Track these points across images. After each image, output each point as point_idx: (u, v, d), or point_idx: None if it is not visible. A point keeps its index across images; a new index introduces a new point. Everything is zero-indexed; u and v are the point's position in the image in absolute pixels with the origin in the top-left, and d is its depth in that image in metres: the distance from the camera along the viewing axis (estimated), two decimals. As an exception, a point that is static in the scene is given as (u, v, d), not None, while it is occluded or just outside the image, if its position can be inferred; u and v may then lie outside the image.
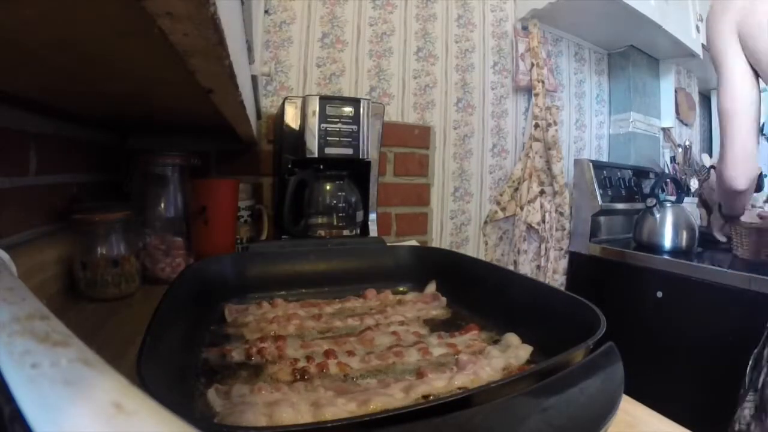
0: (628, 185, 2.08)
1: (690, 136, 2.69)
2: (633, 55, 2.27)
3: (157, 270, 0.95)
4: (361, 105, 1.16)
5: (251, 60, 0.88)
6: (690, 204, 2.11)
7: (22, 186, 0.71)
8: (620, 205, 2.00)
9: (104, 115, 0.88)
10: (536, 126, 1.92)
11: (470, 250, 1.94)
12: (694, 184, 2.44)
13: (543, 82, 1.94)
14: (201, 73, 0.41)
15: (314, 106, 1.12)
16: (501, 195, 1.96)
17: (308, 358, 0.57)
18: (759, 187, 2.38)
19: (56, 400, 0.14)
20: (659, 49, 2.28)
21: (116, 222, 0.83)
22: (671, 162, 2.41)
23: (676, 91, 2.50)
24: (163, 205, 0.97)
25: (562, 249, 1.96)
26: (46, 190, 0.80)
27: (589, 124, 2.30)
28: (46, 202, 0.81)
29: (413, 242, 1.54)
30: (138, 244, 0.90)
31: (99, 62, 0.42)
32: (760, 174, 2.39)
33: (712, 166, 2.43)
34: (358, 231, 1.24)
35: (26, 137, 0.73)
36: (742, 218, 1.58)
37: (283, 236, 1.18)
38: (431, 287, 0.88)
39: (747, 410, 0.95)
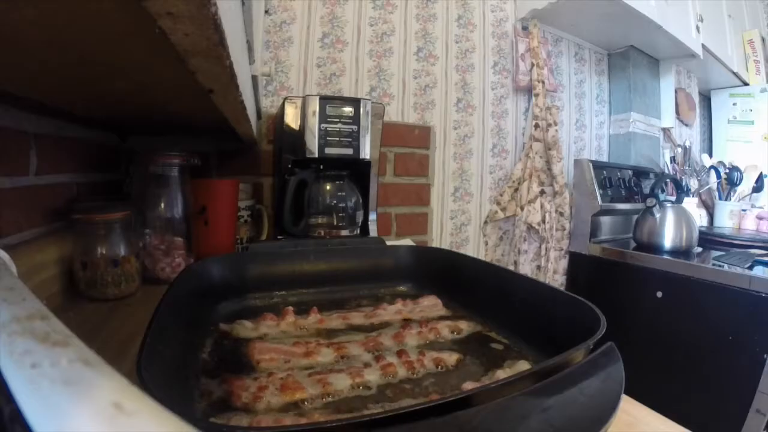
0: (628, 185, 2.08)
1: (690, 136, 2.69)
2: (633, 55, 2.27)
3: (157, 270, 0.95)
4: (361, 105, 1.16)
5: (252, 60, 0.88)
6: (690, 204, 2.11)
7: (22, 186, 0.71)
8: (620, 205, 2.00)
9: (105, 115, 0.88)
10: (536, 126, 1.92)
11: (470, 250, 1.94)
12: (694, 184, 2.44)
13: (543, 82, 1.94)
14: (202, 74, 0.41)
15: (314, 106, 1.12)
16: (501, 195, 1.96)
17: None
18: (759, 188, 2.40)
19: (56, 400, 0.14)
20: (659, 50, 2.28)
21: (116, 222, 0.83)
22: (671, 162, 2.42)
23: (676, 92, 2.50)
24: (163, 205, 0.97)
25: (562, 249, 1.96)
26: (46, 190, 0.80)
27: (589, 125, 2.30)
28: (46, 201, 0.81)
29: (408, 241, 1.54)
30: (138, 244, 0.90)
31: (99, 62, 0.42)
32: (760, 174, 2.40)
33: (712, 166, 2.44)
34: (358, 231, 1.24)
35: (26, 137, 0.73)
36: None
37: (282, 236, 1.18)
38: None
39: None
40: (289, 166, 1.18)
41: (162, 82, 0.53)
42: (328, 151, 1.13)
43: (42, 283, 0.72)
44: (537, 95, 1.92)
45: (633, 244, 1.89)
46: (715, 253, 1.77)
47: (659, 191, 1.88)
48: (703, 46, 2.24)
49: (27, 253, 0.68)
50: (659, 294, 1.62)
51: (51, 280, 0.76)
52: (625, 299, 1.74)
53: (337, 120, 1.14)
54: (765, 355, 1.32)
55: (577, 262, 1.96)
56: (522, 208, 1.92)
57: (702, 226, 1.92)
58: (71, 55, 0.39)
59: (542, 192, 1.93)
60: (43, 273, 0.73)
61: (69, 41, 0.35)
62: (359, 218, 1.23)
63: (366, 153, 1.17)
